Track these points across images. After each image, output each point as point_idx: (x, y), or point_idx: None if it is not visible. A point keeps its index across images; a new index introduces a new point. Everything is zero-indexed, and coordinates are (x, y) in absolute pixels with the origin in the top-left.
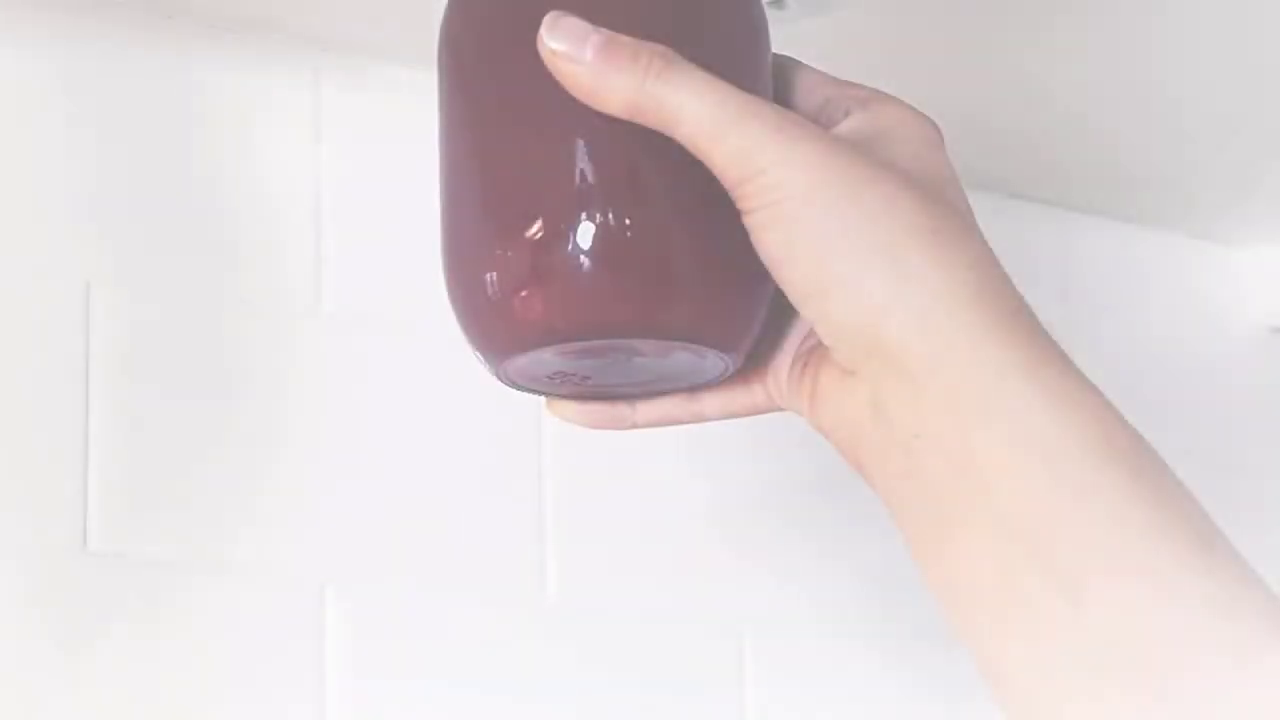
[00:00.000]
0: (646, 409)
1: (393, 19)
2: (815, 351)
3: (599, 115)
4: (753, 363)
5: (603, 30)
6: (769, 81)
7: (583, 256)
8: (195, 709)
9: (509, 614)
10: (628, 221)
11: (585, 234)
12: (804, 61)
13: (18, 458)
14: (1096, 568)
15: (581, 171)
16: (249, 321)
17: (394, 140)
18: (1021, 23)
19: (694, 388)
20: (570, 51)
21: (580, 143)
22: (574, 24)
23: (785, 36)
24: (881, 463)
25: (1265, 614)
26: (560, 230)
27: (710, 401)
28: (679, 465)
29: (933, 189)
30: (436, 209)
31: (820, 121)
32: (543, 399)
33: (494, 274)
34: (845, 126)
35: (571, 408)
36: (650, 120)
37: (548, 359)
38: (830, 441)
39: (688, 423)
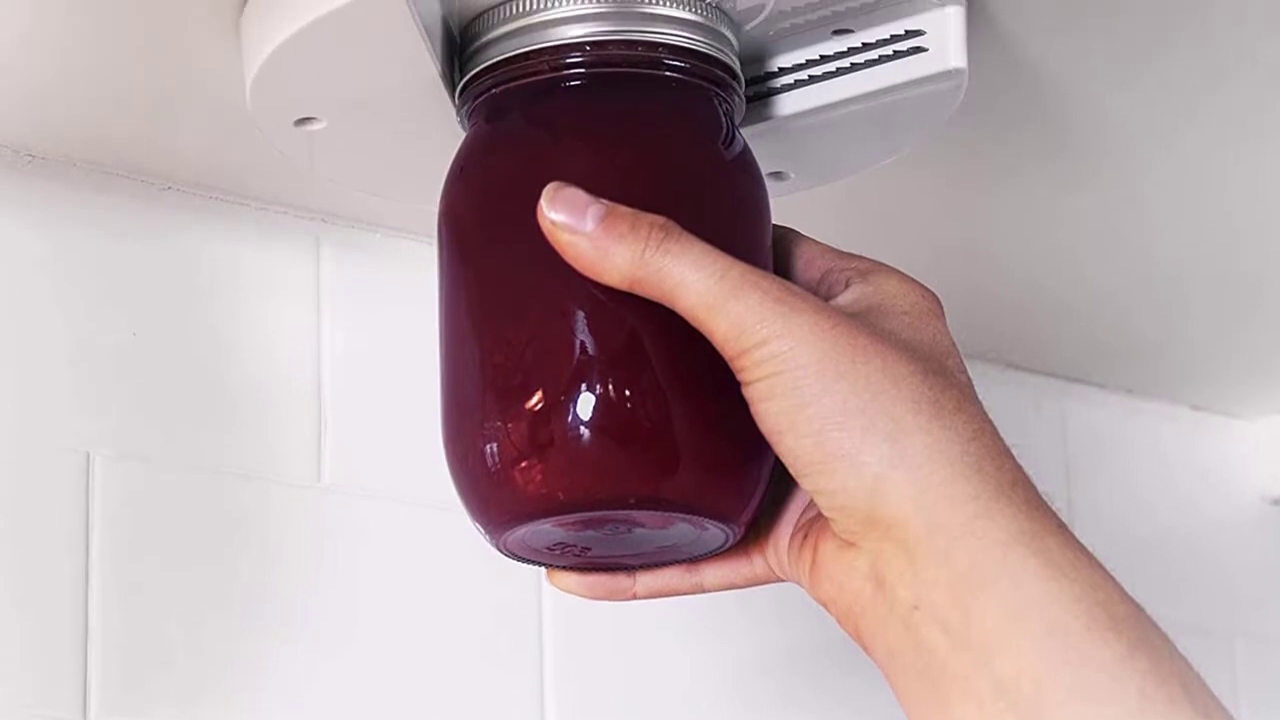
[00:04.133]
0: (647, 580)
1: (393, 189)
2: (815, 522)
3: (599, 286)
4: (753, 533)
5: (602, 201)
6: (769, 252)
7: (583, 428)
8: None
9: None
10: (628, 393)
11: (585, 405)
12: (804, 233)
13: (17, 629)
14: None
15: (581, 343)
16: (250, 493)
17: (395, 311)
18: (1021, 197)
19: (694, 558)
20: (570, 222)
21: (580, 314)
22: (574, 195)
23: (785, 207)
24: (881, 633)
25: None
26: (560, 401)
27: (711, 572)
28: (680, 636)
29: (933, 360)
30: (437, 380)
31: (820, 292)
32: (543, 570)
33: (494, 445)
34: (845, 297)
35: (572, 579)
36: (650, 292)
37: (548, 530)
38: (830, 612)
39: (688, 593)
